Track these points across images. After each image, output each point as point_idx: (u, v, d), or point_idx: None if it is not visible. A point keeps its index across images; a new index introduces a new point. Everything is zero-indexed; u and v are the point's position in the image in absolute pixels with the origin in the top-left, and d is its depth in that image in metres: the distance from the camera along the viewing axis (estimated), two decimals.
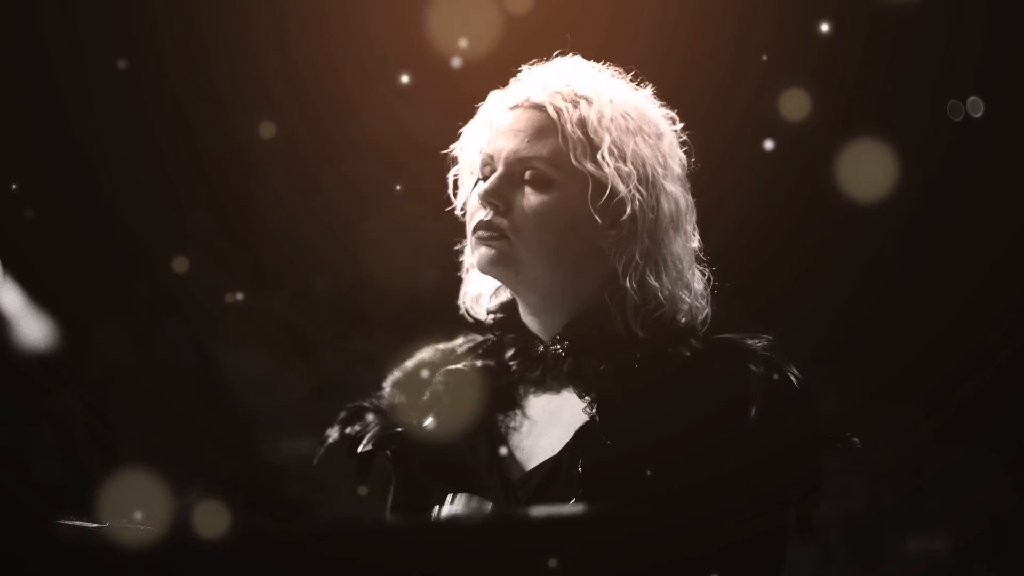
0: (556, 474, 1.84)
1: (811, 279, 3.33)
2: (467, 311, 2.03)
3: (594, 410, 1.85)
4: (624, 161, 1.87)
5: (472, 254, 1.93)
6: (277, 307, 3.50)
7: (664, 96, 2.05)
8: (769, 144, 3.12)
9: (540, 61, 2.01)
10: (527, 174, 1.88)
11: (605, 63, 2.02)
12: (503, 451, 1.89)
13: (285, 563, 1.33)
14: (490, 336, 2.00)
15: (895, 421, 3.52)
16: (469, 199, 1.94)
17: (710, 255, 2.03)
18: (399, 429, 1.94)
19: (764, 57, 3.15)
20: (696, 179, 2.05)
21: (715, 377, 1.85)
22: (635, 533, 1.42)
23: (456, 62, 3.08)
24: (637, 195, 1.87)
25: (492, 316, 1.99)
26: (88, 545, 1.38)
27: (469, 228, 1.92)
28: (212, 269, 3.50)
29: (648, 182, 1.88)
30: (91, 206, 3.42)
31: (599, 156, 1.86)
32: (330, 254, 3.52)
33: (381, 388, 2.02)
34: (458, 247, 2.07)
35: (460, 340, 2.04)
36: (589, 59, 2.03)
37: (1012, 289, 3.32)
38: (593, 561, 1.37)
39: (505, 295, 2.00)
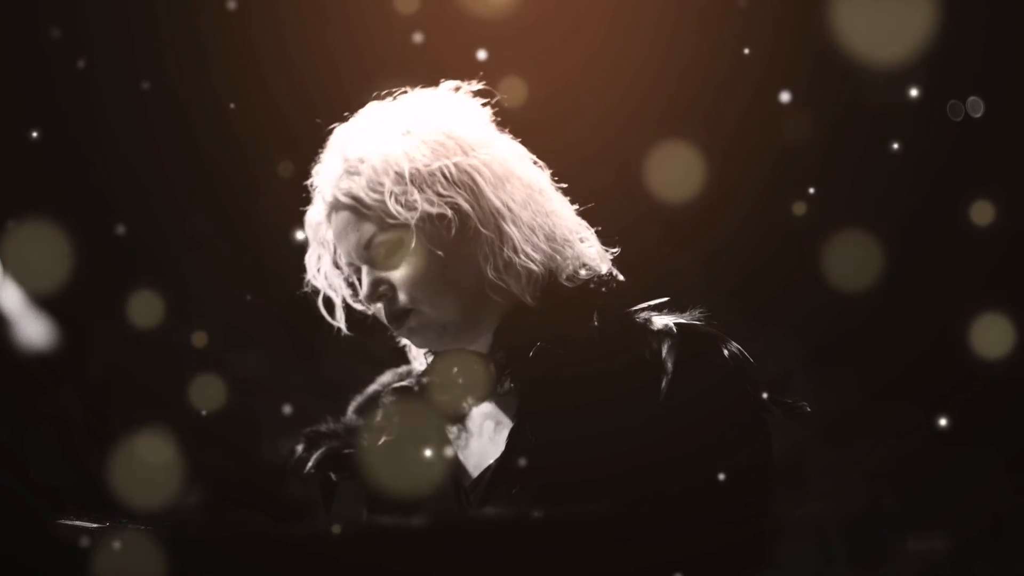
0: (499, 476, 1.87)
1: (811, 279, 3.33)
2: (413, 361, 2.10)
3: (524, 407, 1.89)
4: (410, 185, 1.92)
5: (407, 340, 2.03)
6: (277, 307, 3.50)
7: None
8: (785, 96, 3.09)
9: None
10: (380, 253, 1.95)
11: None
12: (455, 460, 1.94)
13: (285, 563, 1.33)
14: (438, 356, 2.04)
15: (895, 421, 3.52)
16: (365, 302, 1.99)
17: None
18: (348, 451, 2.00)
19: (760, 51, 3.15)
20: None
21: (641, 355, 1.87)
22: (599, 534, 1.43)
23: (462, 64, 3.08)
24: (444, 202, 1.91)
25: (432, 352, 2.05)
26: (88, 545, 1.38)
27: (393, 330, 1.99)
28: (212, 269, 3.50)
29: (447, 182, 1.93)
30: (91, 206, 3.42)
31: (394, 202, 1.92)
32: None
33: (343, 414, 2.08)
34: None
35: (415, 363, 2.10)
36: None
37: (1012, 289, 3.32)
38: (590, 560, 1.37)
39: None
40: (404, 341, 2.10)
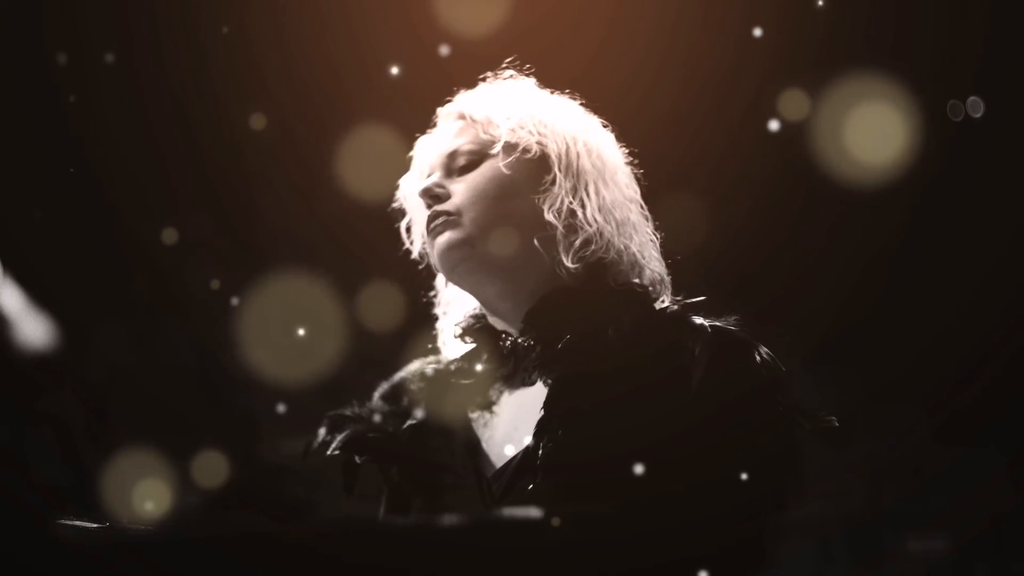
0: (525, 467, 1.86)
1: (811, 279, 3.33)
2: (443, 346, 2.10)
3: (551, 400, 1.88)
4: (522, 116, 2.00)
5: (433, 254, 2.01)
6: (277, 307, 3.50)
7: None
8: (775, 125, 3.11)
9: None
10: (459, 162, 2.01)
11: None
12: (478, 451, 1.93)
13: (285, 563, 1.33)
14: (468, 345, 2.04)
15: (895, 421, 3.52)
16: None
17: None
18: (372, 435, 1.99)
19: (762, 59, 3.15)
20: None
21: (673, 356, 1.86)
22: (619, 533, 1.43)
23: (462, 65, 3.08)
24: (537, 140, 1.98)
25: (462, 328, 2.04)
26: (88, 545, 1.38)
27: (427, 240, 1.99)
28: (212, 269, 3.50)
29: (551, 127, 2.00)
30: (91, 206, 3.42)
31: (497, 115, 2.00)
32: (330, 254, 3.52)
33: (369, 399, 2.08)
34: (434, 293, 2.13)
35: (445, 351, 2.09)
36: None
37: (1012, 289, 3.32)
38: (592, 561, 1.37)
39: (474, 312, 2.05)
40: (439, 323, 2.09)
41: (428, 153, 2.06)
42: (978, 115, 3.22)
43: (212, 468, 3.29)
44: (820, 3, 3.07)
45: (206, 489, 3.28)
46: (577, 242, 1.94)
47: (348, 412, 2.05)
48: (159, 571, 1.33)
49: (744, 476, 1.80)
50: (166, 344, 3.58)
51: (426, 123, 2.12)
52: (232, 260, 3.53)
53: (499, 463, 1.92)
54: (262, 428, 3.53)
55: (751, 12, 3.19)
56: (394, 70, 3.03)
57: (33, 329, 3.24)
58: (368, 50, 3.28)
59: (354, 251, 3.40)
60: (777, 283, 3.23)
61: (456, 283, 2.04)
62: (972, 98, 3.22)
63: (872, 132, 3.14)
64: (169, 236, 3.47)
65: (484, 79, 2.09)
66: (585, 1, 3.15)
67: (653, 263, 2.00)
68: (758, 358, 1.87)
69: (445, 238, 1.97)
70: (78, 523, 1.51)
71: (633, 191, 2.04)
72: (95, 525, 1.52)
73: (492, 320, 2.02)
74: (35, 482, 3.26)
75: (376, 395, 2.08)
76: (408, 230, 2.12)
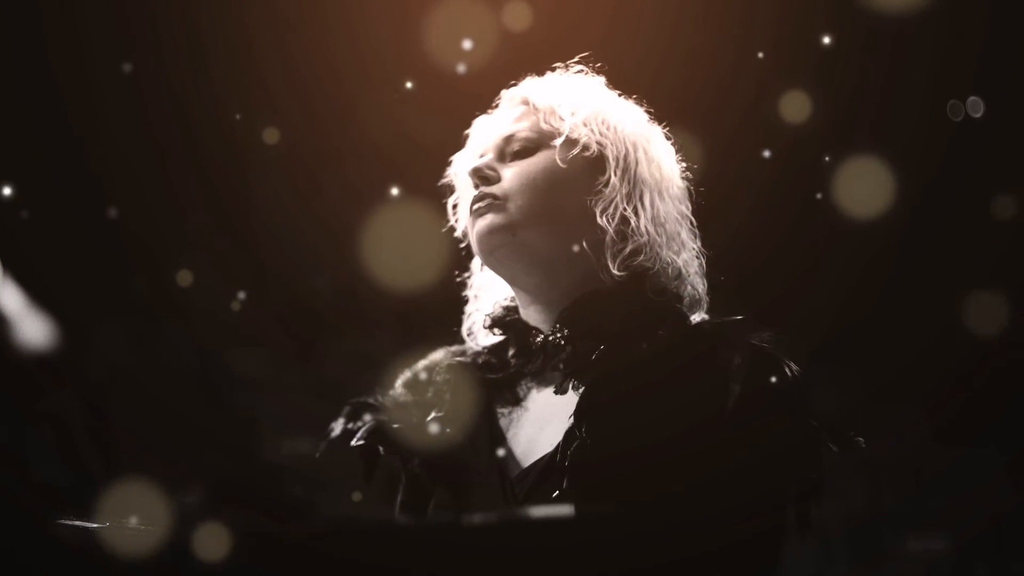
0: (550, 470, 1.85)
1: (811, 279, 3.33)
2: (468, 337, 2.07)
3: (582, 406, 1.87)
4: (587, 113, 1.98)
5: (472, 235, 1.99)
6: (277, 307, 3.50)
7: (664, 98, 2.07)
8: (767, 153, 3.13)
9: (539, 65, 2.06)
10: (513, 147, 1.99)
11: (603, 66, 2.07)
12: (502, 449, 1.91)
13: (285, 563, 1.33)
14: (496, 337, 2.02)
15: (895, 421, 3.52)
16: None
17: (711, 256, 2.04)
18: (396, 425, 1.97)
19: (761, 56, 3.15)
20: (696, 179, 2.06)
21: (708, 370, 1.86)
22: (631, 534, 1.42)
23: (460, 68, 3.08)
24: (597, 140, 1.96)
25: (491, 318, 2.01)
26: (88, 545, 1.38)
27: (469, 220, 1.98)
28: (212, 269, 3.50)
29: (615, 129, 1.98)
30: (92, 206, 3.42)
31: (561, 108, 1.98)
32: (330, 254, 3.52)
33: (391, 387, 2.04)
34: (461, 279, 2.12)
35: (470, 342, 2.07)
36: (588, 62, 2.07)
37: (1012, 289, 3.32)
38: (590, 562, 1.37)
39: (505, 303, 2.03)
40: (467, 307, 2.08)
41: (485, 134, 2.03)
42: (978, 115, 3.22)
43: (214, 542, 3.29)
44: (827, 41, 3.08)
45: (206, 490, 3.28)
46: (626, 250, 1.92)
47: (371, 400, 2.02)
48: (159, 571, 1.33)
49: (771, 494, 1.80)
50: (166, 344, 3.58)
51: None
52: (232, 260, 3.54)
53: (524, 463, 1.90)
54: (262, 428, 3.53)
55: (751, 12, 3.20)
56: (408, 84, 3.03)
57: (33, 329, 3.24)
58: (368, 51, 3.28)
59: (354, 251, 3.40)
60: (777, 283, 3.23)
61: (492, 268, 2.01)
62: (972, 98, 3.22)
63: (864, 171, 3.15)
64: (170, 237, 3.48)
65: (553, 68, 2.07)
66: (584, 3, 3.15)
67: (695, 280, 1.99)
68: (790, 375, 1.86)
69: (487, 221, 1.94)
70: (78, 523, 1.51)
71: (685, 207, 2.03)
72: (95, 525, 1.52)
73: (524, 313, 2.00)
74: (35, 482, 3.26)
75: (398, 384, 2.04)
76: (455, 207, 2.09)
